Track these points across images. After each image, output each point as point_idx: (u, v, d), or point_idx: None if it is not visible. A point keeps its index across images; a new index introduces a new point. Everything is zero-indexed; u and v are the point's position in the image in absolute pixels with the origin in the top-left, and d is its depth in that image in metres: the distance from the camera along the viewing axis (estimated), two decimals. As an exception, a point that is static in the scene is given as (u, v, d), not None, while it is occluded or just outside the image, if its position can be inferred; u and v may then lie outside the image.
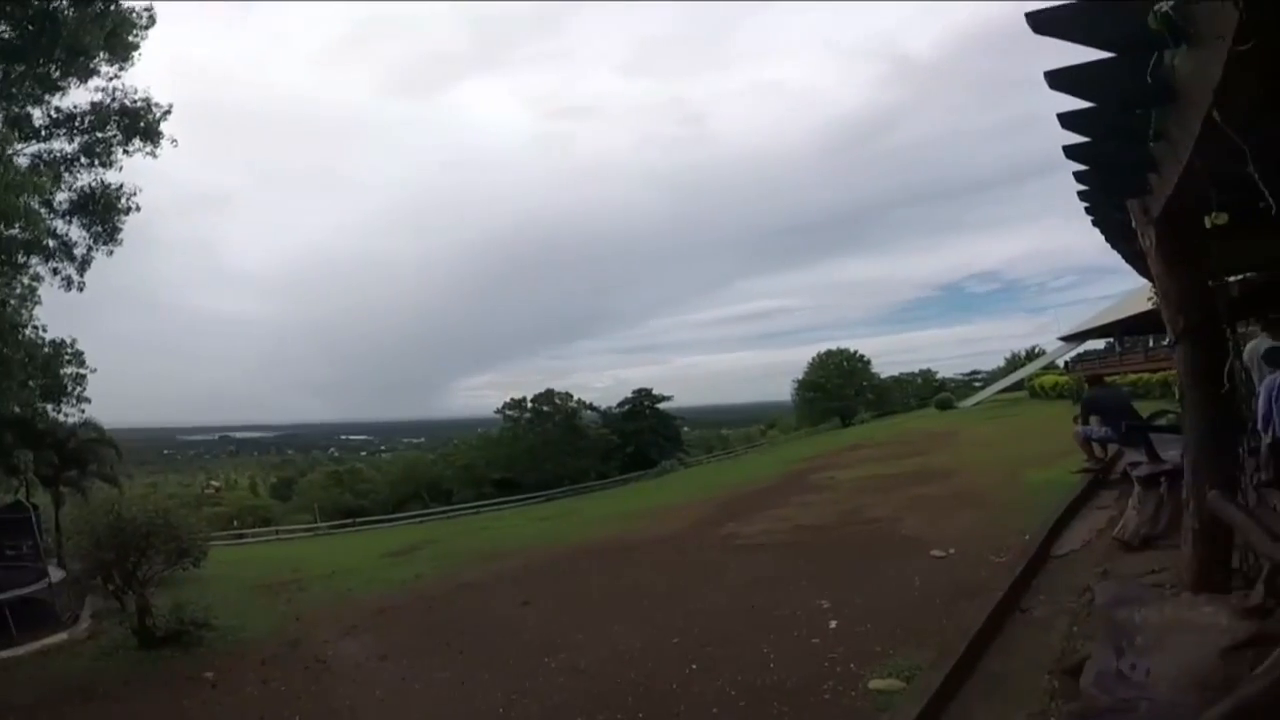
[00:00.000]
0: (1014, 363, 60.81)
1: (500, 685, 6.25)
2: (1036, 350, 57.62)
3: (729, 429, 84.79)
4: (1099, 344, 41.54)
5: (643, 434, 60.12)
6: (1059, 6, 2.56)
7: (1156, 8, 2.19)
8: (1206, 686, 3.40)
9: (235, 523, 45.41)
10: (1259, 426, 6.30)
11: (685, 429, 69.28)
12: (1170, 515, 5.95)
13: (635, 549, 11.97)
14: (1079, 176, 4.23)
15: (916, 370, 76.87)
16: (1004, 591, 5.79)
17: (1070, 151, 3.72)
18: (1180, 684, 3.56)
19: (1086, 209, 5.23)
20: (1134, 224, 4.25)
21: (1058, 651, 4.74)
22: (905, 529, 9.20)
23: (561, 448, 57.07)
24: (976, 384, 62.63)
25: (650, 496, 25.04)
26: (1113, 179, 4.02)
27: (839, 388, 65.22)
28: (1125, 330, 32.45)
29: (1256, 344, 8.72)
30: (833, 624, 6.20)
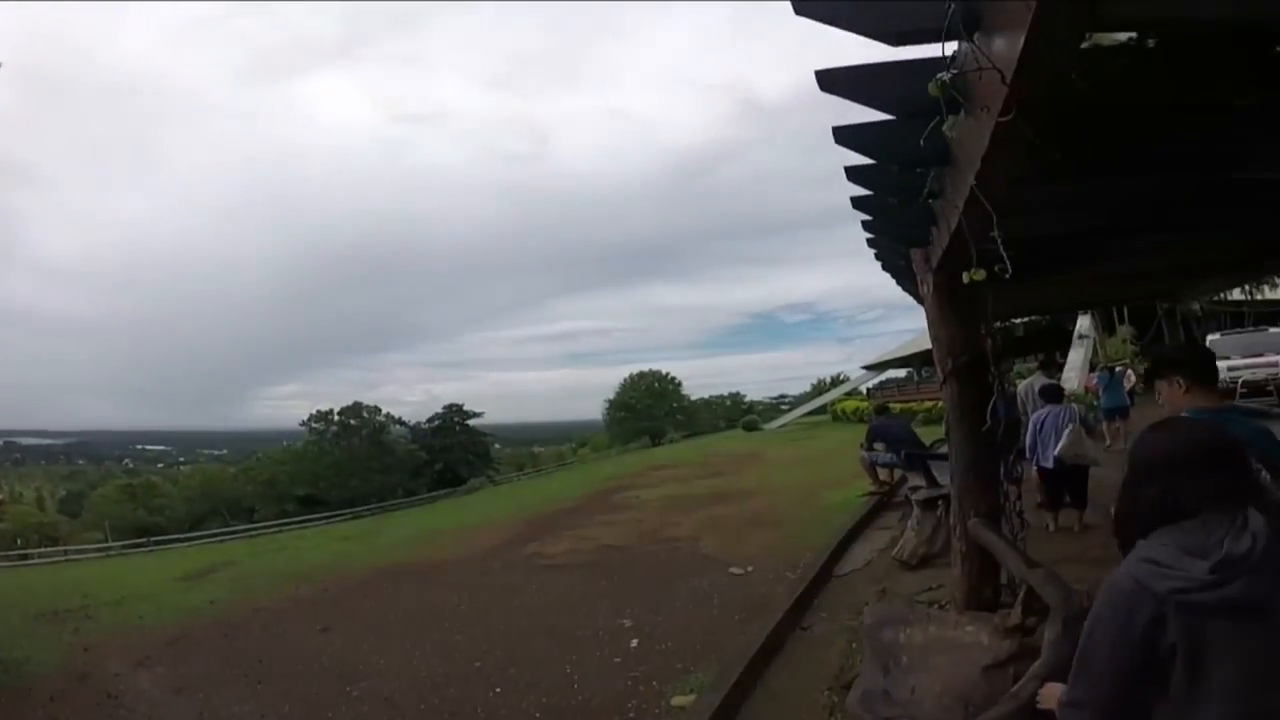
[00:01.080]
0: (819, 388, 64.95)
1: (302, 718, 5.87)
2: (841, 377, 61.80)
3: (541, 447, 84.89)
4: (900, 372, 45.16)
5: (452, 450, 59.29)
6: (848, 68, 2.67)
7: (938, 76, 2.33)
8: (968, 703, 3.61)
9: (20, 541, 40.74)
10: (1027, 455, 7.02)
11: (496, 446, 68.83)
12: (947, 536, 6.44)
13: (438, 570, 11.66)
14: (866, 225, 4.50)
15: (726, 393, 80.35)
16: (785, 611, 6.06)
17: (857, 202, 3.94)
18: (943, 701, 3.77)
19: (875, 255, 5.61)
20: (916, 270, 4.56)
21: (836, 668, 4.99)
22: (705, 548, 9.47)
23: (368, 463, 55.41)
24: (784, 407, 66.27)
25: (457, 515, 24.57)
26: (895, 229, 4.32)
27: (649, 408, 66.94)
28: (923, 361, 35.60)
29: (1031, 381, 9.78)
30: (634, 643, 6.26)
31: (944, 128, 2.35)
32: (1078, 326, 22.26)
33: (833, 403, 47.14)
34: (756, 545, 9.01)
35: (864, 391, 48.23)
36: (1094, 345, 21.85)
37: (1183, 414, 2.50)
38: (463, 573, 10.90)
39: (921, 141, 2.47)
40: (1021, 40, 1.74)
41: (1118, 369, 15.21)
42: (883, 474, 10.64)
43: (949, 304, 4.37)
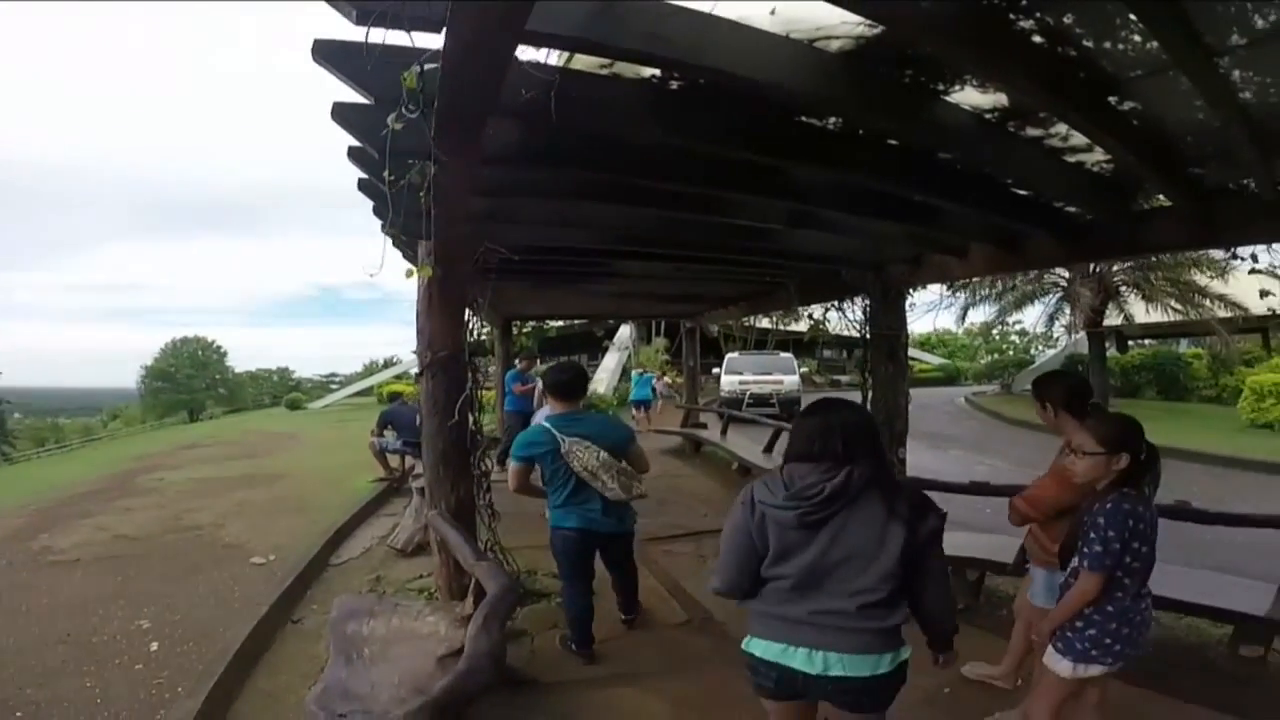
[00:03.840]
0: (371, 369, 63.04)
1: None
2: (395, 359, 60.72)
3: (67, 417, 69.61)
4: None
5: (-51, 422, 45.18)
6: (344, 42, 2.50)
7: (410, 70, 2.27)
8: (424, 694, 3.72)
9: None
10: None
11: (17, 416, 54.48)
12: (440, 525, 6.61)
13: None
14: (375, 211, 4.34)
15: (275, 368, 74.33)
16: (270, 605, 5.69)
17: (361, 185, 3.79)
18: (400, 693, 3.73)
19: (392, 243, 5.49)
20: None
21: (324, 662, 4.78)
22: (228, 536, 8.53)
23: None
24: (334, 385, 63.16)
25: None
26: (394, 219, 4.27)
27: (190, 379, 58.99)
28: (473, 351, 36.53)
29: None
30: (154, 646, 5.38)
31: (389, 119, 2.30)
32: (618, 335, 24.89)
33: (380, 385, 46.17)
34: (281, 532, 8.33)
35: (413, 375, 47.79)
36: (631, 353, 24.69)
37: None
38: (-40, 574, 8.31)
39: (390, 130, 2.40)
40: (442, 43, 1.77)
41: (647, 373, 19.70)
42: (393, 460, 10.62)
43: (439, 298, 4.44)
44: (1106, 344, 25.00)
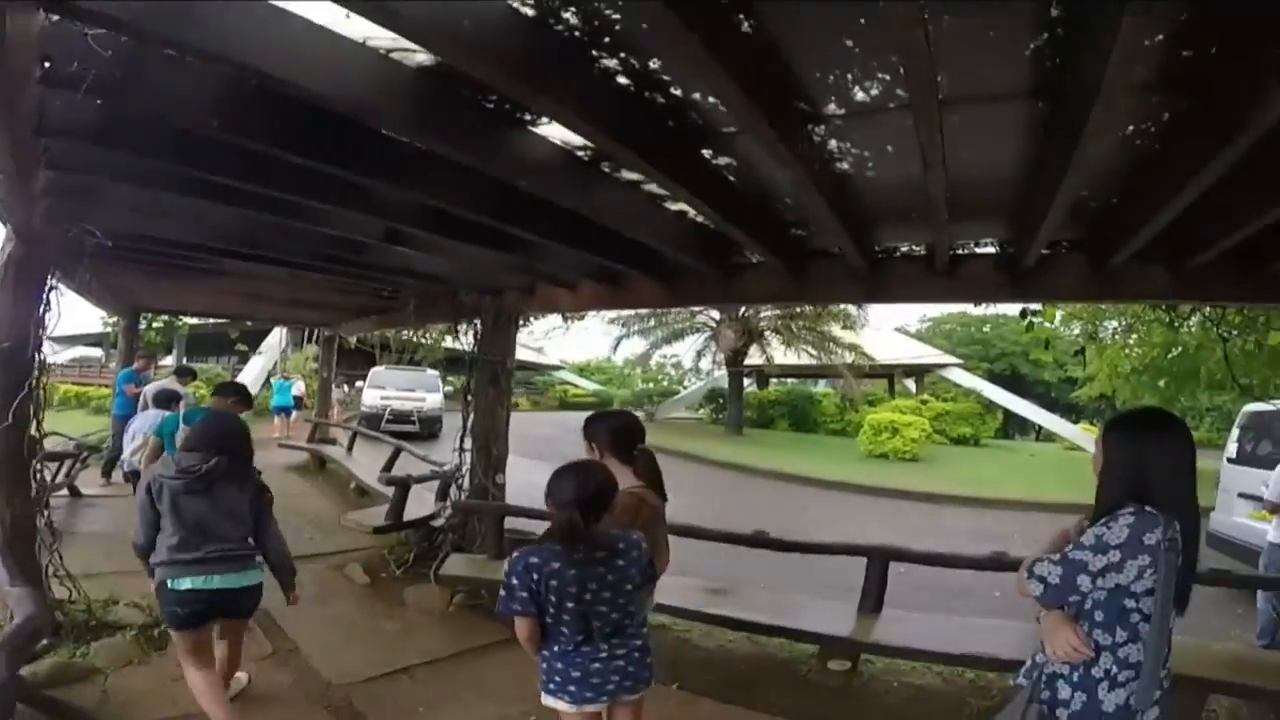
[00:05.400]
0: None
1: None
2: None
3: None
4: (96, 351, 39.24)
5: None
6: None
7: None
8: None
9: None
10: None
11: None
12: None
13: None
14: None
15: None
16: None
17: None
18: None
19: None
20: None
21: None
22: None
23: None
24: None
25: None
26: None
27: None
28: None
29: (163, 384, 8.88)
30: None
31: None
32: (268, 340, 22.86)
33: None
34: None
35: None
36: (282, 357, 22.92)
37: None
38: None
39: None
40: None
41: (290, 379, 19.08)
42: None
43: (14, 279, 4.10)
44: (749, 380, 28.07)
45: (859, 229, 3.77)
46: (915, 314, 48.21)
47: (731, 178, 3.31)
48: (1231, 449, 8.44)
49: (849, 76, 2.35)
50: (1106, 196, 3.28)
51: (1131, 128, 2.55)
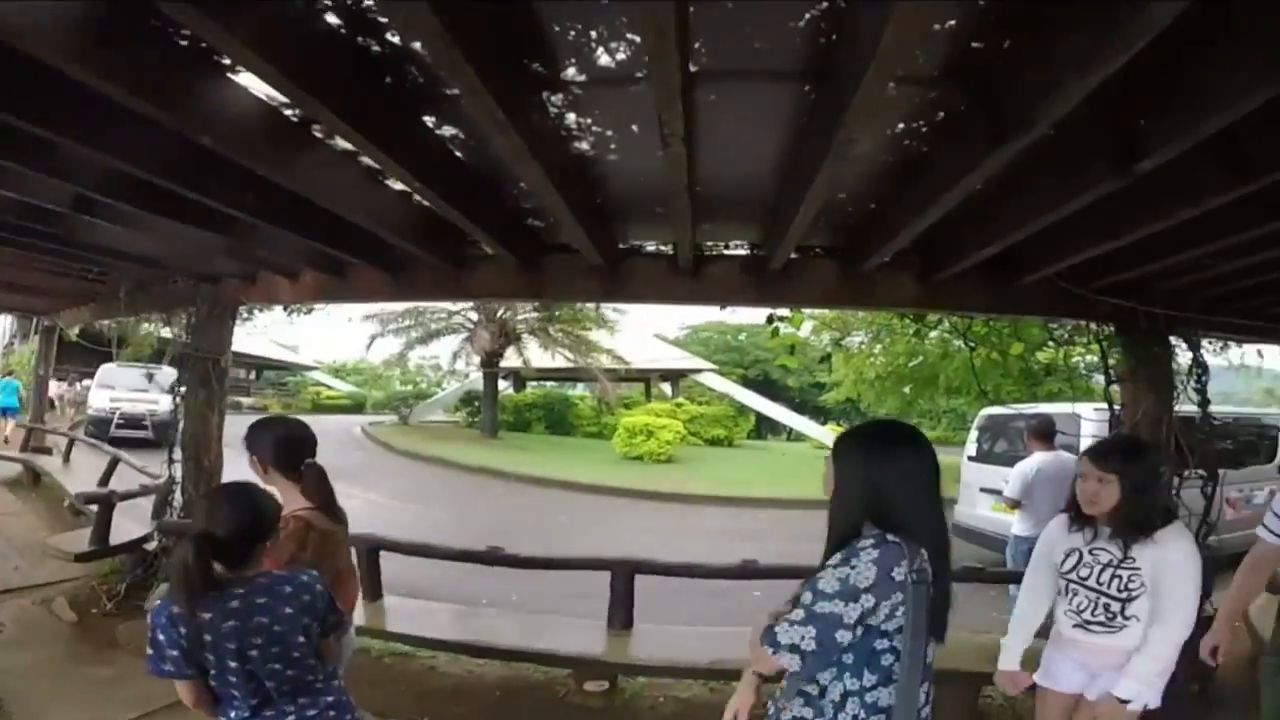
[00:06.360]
0: None
1: None
2: None
3: None
4: None
5: None
6: None
7: None
8: None
9: None
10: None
11: None
12: None
13: None
14: None
15: None
16: None
17: None
18: None
19: None
20: None
21: None
22: None
23: None
24: None
25: None
26: None
27: None
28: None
29: None
30: None
31: None
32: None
33: None
34: None
35: None
36: (5, 351, 19.91)
37: None
38: None
39: None
40: None
41: (13, 378, 16.74)
42: None
43: None
44: (505, 383, 27.47)
45: (599, 220, 3.48)
46: (675, 321, 50.47)
47: (459, 153, 2.82)
48: (971, 448, 9.35)
49: (593, 35, 1.97)
50: (865, 201, 3.21)
51: (901, 125, 2.43)
